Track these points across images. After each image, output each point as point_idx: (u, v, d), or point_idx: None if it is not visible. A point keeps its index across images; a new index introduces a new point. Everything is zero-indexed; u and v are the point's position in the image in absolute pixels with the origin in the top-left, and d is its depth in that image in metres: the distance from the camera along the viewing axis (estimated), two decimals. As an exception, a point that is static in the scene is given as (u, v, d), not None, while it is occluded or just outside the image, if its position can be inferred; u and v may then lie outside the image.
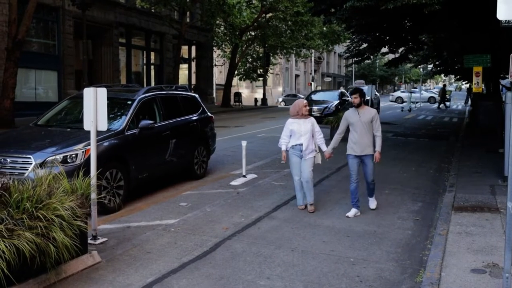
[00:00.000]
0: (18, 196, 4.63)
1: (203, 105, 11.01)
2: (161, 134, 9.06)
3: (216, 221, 7.24)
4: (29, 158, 6.97)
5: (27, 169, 6.87)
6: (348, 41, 31.23)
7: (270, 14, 38.15)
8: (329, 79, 69.40)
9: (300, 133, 7.69)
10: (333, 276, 5.30)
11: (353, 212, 7.71)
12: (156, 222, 7.09)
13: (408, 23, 19.10)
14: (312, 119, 7.85)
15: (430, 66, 51.34)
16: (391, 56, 40.57)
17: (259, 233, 6.74)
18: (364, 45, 24.02)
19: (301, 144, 7.68)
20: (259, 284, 5.04)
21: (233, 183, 9.88)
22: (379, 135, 7.68)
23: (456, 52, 24.58)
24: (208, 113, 11.11)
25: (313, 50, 51.64)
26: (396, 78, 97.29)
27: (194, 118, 10.36)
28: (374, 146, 7.76)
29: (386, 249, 6.24)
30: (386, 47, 24.08)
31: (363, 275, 5.35)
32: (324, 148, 7.88)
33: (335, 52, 71.94)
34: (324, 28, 40.52)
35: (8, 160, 7.02)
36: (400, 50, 26.61)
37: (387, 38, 21.43)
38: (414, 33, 20.95)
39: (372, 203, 8.19)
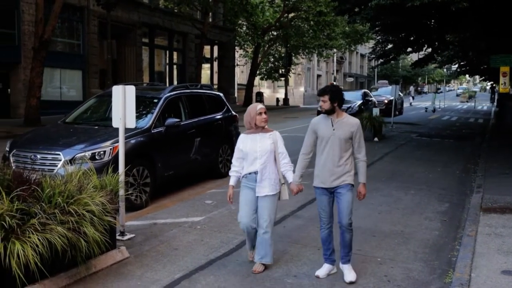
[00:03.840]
0: (50, 191, 4.71)
1: (227, 104, 11.04)
2: (187, 132, 9.12)
3: (242, 219, 7.25)
4: (59, 154, 7.09)
5: (57, 166, 6.99)
6: (372, 41, 31.03)
7: (292, 14, 38.11)
8: (351, 79, 68.98)
9: (254, 155, 5.13)
10: (360, 275, 5.26)
11: (325, 269, 5.23)
12: (182, 220, 7.13)
13: (433, 23, 18.89)
14: (275, 134, 5.26)
15: (454, 67, 50.68)
16: (414, 57, 40.10)
17: (284, 231, 6.73)
18: (390, 46, 23.82)
19: (256, 172, 5.14)
20: (286, 282, 5.04)
21: (257, 182, 9.86)
22: (362, 158, 5.06)
23: (482, 52, 24.21)
24: (233, 112, 11.13)
25: (335, 50, 51.40)
26: (420, 79, 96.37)
27: (219, 116, 10.40)
28: (353, 174, 5.11)
29: (413, 249, 6.18)
30: (412, 47, 23.82)
31: (390, 275, 5.31)
32: (290, 177, 5.21)
33: (357, 52, 71.46)
34: (347, 28, 40.33)
35: (38, 156, 7.16)
36: (425, 50, 26.30)
37: (412, 38, 21.21)
38: (439, 33, 20.70)
39: (349, 273, 5.10)
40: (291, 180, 5.18)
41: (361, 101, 25.70)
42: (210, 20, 33.75)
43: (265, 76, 46.28)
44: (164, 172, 8.36)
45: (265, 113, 5.20)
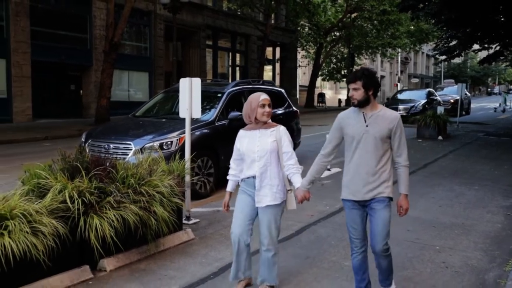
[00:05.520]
0: (124, 173, 5.11)
1: (288, 100, 11.26)
2: (249, 126, 9.40)
3: (301, 208, 7.36)
4: (130, 144, 7.60)
5: (128, 154, 7.48)
6: (437, 39, 30.32)
7: (355, 14, 37.84)
8: (416, 80, 67.44)
9: (252, 157, 4.25)
10: (418, 261, 5.34)
11: None
12: (244, 208, 7.41)
13: (501, 17, 18.29)
14: (279, 130, 4.29)
15: (527, 65, 48.47)
16: (483, 55, 38.70)
17: (343, 220, 6.78)
18: (454, 42, 23.24)
19: (254, 177, 4.25)
20: (343, 264, 5.20)
21: (318, 175, 10.02)
22: (403, 163, 3.94)
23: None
24: (294, 108, 11.35)
25: (399, 50, 50.49)
26: (490, 79, 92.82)
27: (280, 112, 10.64)
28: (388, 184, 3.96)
29: (473, 239, 6.16)
30: (478, 43, 23.11)
31: (448, 262, 5.35)
32: (297, 181, 4.22)
33: (423, 52, 69.87)
34: (412, 27, 39.60)
35: (111, 146, 7.69)
36: (494, 47, 25.40)
37: (479, 34, 20.61)
38: (508, 28, 20.01)
39: None
40: (298, 185, 4.17)
41: (425, 100, 25.25)
42: (273, 21, 34.13)
43: (327, 77, 46.15)
44: (227, 163, 8.63)
45: (269, 105, 4.21)
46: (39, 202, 4.29)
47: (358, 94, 3.86)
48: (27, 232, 3.92)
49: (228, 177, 4.53)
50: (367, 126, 3.87)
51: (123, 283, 4.58)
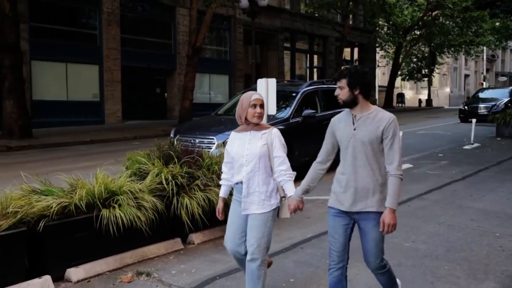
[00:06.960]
0: (209, 161, 5.94)
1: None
2: (321, 123, 9.95)
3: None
4: (213, 139, 8.49)
5: (211, 148, 8.34)
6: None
7: (436, 12, 37.15)
8: (504, 78, 64.49)
9: (240, 161, 3.88)
10: (476, 245, 5.73)
11: None
12: (314, 197, 8.02)
13: None
14: (271, 133, 3.91)
15: None
16: None
17: (408, 209, 7.32)
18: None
19: (242, 182, 3.87)
20: (403, 245, 5.70)
21: (388, 171, 10.43)
22: (394, 172, 3.39)
23: None
24: (366, 107, 11.80)
25: (485, 48, 48.75)
26: None
27: (352, 110, 11.13)
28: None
29: (536, 229, 6.43)
30: None
31: (506, 246, 5.69)
32: (290, 190, 3.86)
33: (511, 50, 66.74)
34: (497, 23, 38.27)
35: (197, 140, 8.61)
36: None
37: None
38: None
39: None
40: (291, 193, 3.83)
41: (508, 98, 24.56)
42: (350, 22, 34.33)
43: (407, 77, 45.52)
44: (301, 158, 9.33)
45: (261, 106, 3.82)
46: (141, 183, 5.18)
47: (343, 94, 3.49)
48: (133, 206, 4.80)
49: (220, 182, 4.22)
50: (354, 129, 3.49)
51: (209, 253, 5.39)
